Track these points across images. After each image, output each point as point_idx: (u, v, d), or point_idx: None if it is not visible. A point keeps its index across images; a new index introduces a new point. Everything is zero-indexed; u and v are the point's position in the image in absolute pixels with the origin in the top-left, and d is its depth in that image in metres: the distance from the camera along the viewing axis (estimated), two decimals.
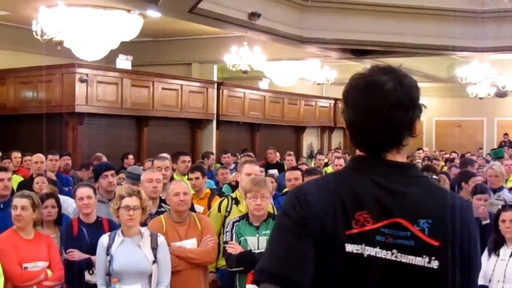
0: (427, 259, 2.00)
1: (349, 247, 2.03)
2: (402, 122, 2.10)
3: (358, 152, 2.19)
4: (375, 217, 2.03)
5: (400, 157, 2.13)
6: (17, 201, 5.67)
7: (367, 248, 2.03)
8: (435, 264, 1.99)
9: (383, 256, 2.02)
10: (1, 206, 6.49)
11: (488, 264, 5.85)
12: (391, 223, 2.02)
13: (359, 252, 2.03)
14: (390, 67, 2.15)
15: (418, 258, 2.00)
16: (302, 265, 2.04)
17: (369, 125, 2.10)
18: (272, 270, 2.06)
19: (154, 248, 5.34)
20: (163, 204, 6.65)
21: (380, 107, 2.07)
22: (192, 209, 6.76)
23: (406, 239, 2.01)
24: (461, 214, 2.07)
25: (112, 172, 7.22)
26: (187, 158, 9.47)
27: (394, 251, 2.01)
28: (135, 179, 7.72)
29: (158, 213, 6.38)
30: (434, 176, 8.30)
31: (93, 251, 5.62)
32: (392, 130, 2.09)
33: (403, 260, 2.01)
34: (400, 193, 2.05)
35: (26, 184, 8.57)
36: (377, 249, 2.02)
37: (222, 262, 6.24)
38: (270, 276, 2.05)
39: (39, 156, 9.85)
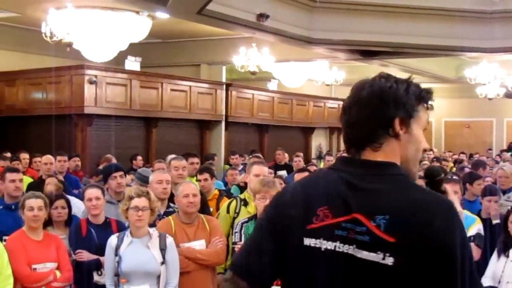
0: (381, 256, 1.99)
1: (307, 241, 2.13)
2: (368, 120, 2.16)
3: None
4: (334, 212, 2.10)
5: (381, 156, 2.16)
6: (34, 202, 5.70)
7: (324, 242, 2.10)
8: (389, 260, 1.98)
9: (345, 251, 2.06)
10: (13, 207, 6.49)
11: (498, 265, 5.83)
12: (351, 218, 2.06)
13: (317, 246, 2.11)
14: (385, 74, 2.24)
15: (372, 254, 2.01)
16: (261, 258, 2.23)
17: (346, 125, 2.22)
18: (236, 261, 2.34)
19: (163, 249, 5.36)
20: (171, 204, 6.65)
21: (348, 106, 2.21)
22: (206, 210, 6.80)
23: (362, 234, 2.03)
24: (425, 209, 2.01)
25: (121, 173, 7.23)
26: (196, 159, 9.47)
27: (354, 246, 2.04)
28: (145, 181, 7.75)
29: (166, 213, 6.40)
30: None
31: (101, 252, 5.64)
32: (358, 128, 2.18)
33: (358, 255, 2.03)
34: (363, 189, 2.08)
35: (36, 185, 8.60)
36: (337, 243, 2.08)
37: None
38: (232, 265, 2.33)
39: (48, 157, 9.91)
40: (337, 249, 2.07)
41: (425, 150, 2.26)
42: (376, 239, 2.00)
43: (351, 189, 2.10)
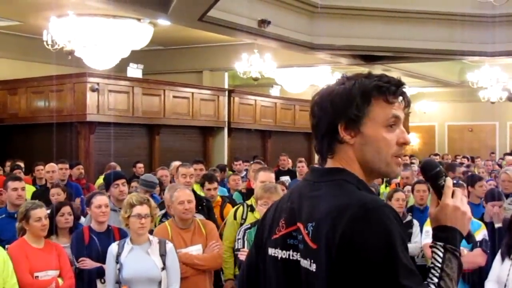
0: (309, 262, 2.02)
1: (270, 251, 2.21)
2: (317, 128, 2.15)
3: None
4: (287, 222, 2.16)
5: (335, 164, 2.13)
6: (40, 212, 5.74)
7: (279, 251, 2.16)
8: (313, 266, 1.99)
9: (296, 258, 2.09)
10: (15, 215, 6.49)
11: (502, 268, 5.78)
12: (296, 228, 2.10)
13: (276, 255, 2.18)
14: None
15: (305, 261, 2.04)
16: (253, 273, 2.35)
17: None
18: (238, 278, 2.56)
19: (163, 255, 5.36)
20: None
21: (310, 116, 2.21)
22: (212, 217, 6.81)
23: (300, 242, 2.07)
24: (337, 214, 1.93)
25: (123, 180, 7.25)
26: (200, 166, 9.44)
27: (299, 254, 2.09)
28: (150, 186, 7.75)
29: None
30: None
31: (104, 260, 5.64)
32: (315, 137, 2.19)
33: (301, 263, 2.06)
34: (307, 197, 2.11)
35: (40, 194, 8.63)
36: (290, 252, 2.12)
37: None
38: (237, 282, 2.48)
39: (51, 166, 9.94)
40: (290, 257, 2.12)
41: (404, 144, 2.12)
42: (306, 246, 2.03)
43: (300, 198, 2.14)
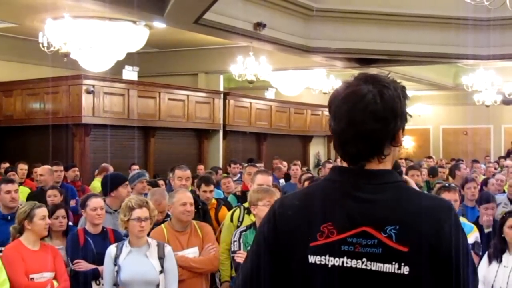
0: (396, 266, 1.98)
1: (312, 258, 2.08)
2: (381, 134, 2.09)
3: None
4: (340, 228, 2.06)
5: (383, 166, 2.13)
6: (44, 211, 5.78)
7: (331, 258, 2.06)
8: (405, 270, 1.98)
9: (353, 265, 2.03)
10: (9, 217, 6.54)
11: (489, 270, 5.78)
12: (358, 232, 2.03)
13: (323, 263, 2.07)
14: (374, 76, 2.14)
15: (387, 265, 1.99)
16: (261, 284, 2.17)
17: (347, 136, 2.11)
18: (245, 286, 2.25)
19: (161, 258, 5.36)
20: (169, 213, 6.59)
21: (358, 118, 2.07)
22: (208, 219, 6.81)
23: (373, 247, 2.01)
24: (432, 216, 2.02)
25: (127, 183, 7.32)
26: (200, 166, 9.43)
27: (364, 259, 2.02)
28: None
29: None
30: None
31: (99, 262, 5.65)
32: (370, 142, 2.09)
33: (373, 268, 2.01)
34: (369, 201, 2.05)
35: (36, 195, 8.60)
36: (344, 259, 2.04)
37: None
38: None
39: (43, 168, 9.76)
40: (345, 264, 2.04)
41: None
42: (388, 250, 1.99)
43: (353, 201, 2.07)
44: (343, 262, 2.04)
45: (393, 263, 1.99)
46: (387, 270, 1.99)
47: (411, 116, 2.19)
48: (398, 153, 2.21)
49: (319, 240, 2.08)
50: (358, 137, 2.08)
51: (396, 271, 1.98)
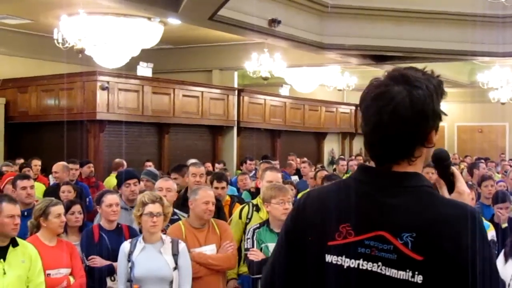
0: (410, 273, 1.94)
1: (329, 258, 2.07)
2: (410, 137, 2.04)
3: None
4: (357, 229, 2.04)
5: (413, 168, 2.07)
6: (60, 209, 5.76)
7: (347, 259, 2.04)
8: (419, 279, 1.93)
9: (369, 268, 2.01)
10: (25, 213, 6.52)
11: (506, 269, 5.71)
12: (375, 236, 2.01)
13: (339, 263, 2.06)
14: (406, 75, 2.06)
15: (401, 272, 1.95)
16: (284, 277, 2.21)
17: (375, 138, 2.07)
18: (267, 280, 2.30)
19: (175, 255, 5.35)
20: (176, 211, 6.57)
21: (386, 121, 2.02)
22: (222, 216, 6.79)
23: (389, 252, 1.98)
24: (451, 225, 1.95)
25: (135, 180, 7.23)
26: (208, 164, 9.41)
27: (380, 263, 1.99)
28: (153, 176, 7.81)
29: (172, 221, 6.18)
30: None
31: (114, 258, 5.65)
32: (398, 145, 2.04)
33: (387, 273, 1.97)
34: (389, 205, 2.01)
35: (52, 191, 8.63)
36: (360, 261, 2.02)
37: (243, 269, 6.25)
38: (263, 285, 2.35)
39: (58, 166, 9.76)
40: (361, 266, 2.02)
41: None
42: (403, 257, 1.95)
43: (373, 203, 2.04)
44: (359, 264, 2.02)
45: (407, 270, 1.94)
46: (401, 277, 1.95)
47: (446, 114, 2.11)
48: (431, 152, 2.15)
49: (337, 240, 2.06)
50: (385, 140, 2.04)
51: (409, 279, 1.94)
